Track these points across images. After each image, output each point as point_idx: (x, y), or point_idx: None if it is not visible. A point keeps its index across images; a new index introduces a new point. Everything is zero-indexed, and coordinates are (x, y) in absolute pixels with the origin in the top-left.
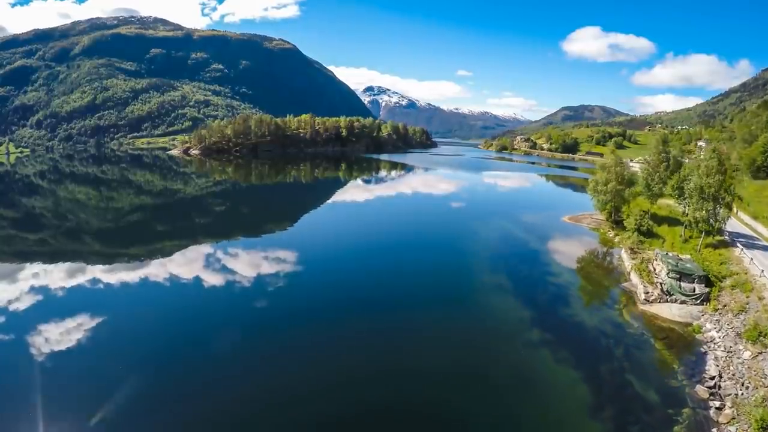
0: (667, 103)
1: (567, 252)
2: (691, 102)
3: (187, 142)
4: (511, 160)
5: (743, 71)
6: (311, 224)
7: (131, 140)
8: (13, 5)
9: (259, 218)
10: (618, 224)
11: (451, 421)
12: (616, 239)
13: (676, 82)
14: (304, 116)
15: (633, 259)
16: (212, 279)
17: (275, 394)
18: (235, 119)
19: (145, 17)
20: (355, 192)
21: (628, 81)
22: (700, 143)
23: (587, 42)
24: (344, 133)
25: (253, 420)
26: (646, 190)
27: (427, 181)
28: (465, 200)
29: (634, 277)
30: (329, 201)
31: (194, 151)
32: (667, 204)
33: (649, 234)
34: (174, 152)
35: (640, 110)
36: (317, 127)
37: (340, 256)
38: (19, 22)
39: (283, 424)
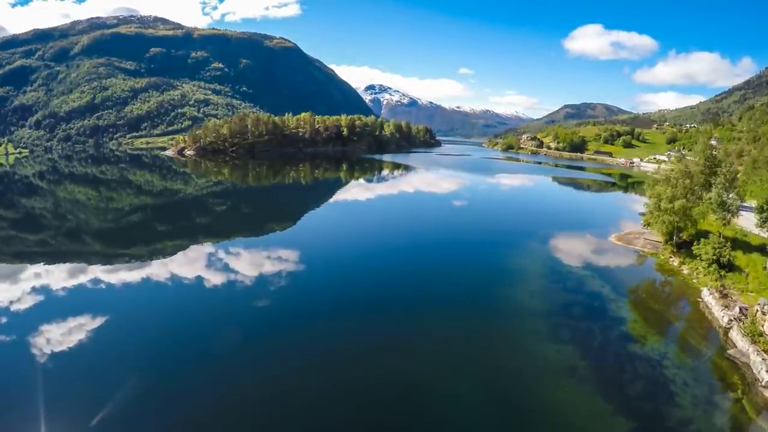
0: (669, 101)
1: (634, 293)
2: (693, 100)
3: (181, 143)
4: (518, 160)
5: (745, 69)
6: (312, 228)
7: (130, 140)
8: (14, 5)
9: (258, 220)
10: (680, 248)
11: None
12: (684, 270)
13: (678, 80)
14: (303, 115)
15: (725, 307)
16: (214, 279)
17: (278, 396)
18: (231, 118)
19: (145, 16)
20: (359, 199)
21: (629, 79)
22: (711, 142)
23: (589, 40)
24: (345, 132)
25: (255, 422)
26: (721, 207)
27: (438, 187)
28: (486, 215)
29: (742, 342)
30: (330, 208)
31: (189, 152)
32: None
33: (728, 266)
34: (168, 153)
35: (642, 108)
36: (317, 126)
37: (346, 265)
38: (20, 23)
39: (285, 426)
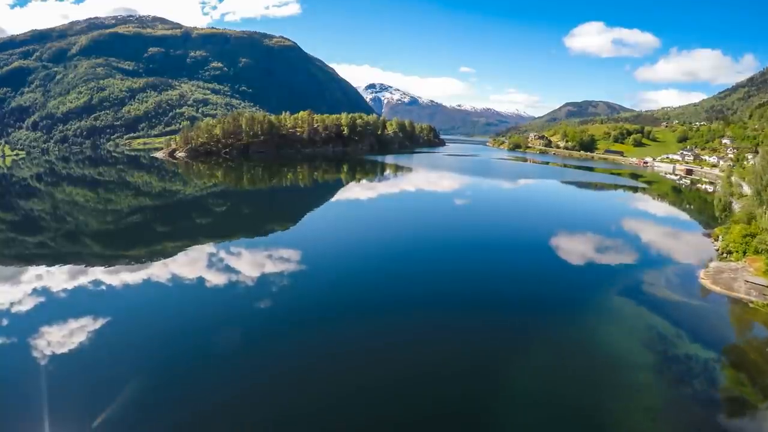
0: (670, 99)
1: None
2: (695, 97)
3: (173, 144)
4: (527, 160)
5: (747, 66)
6: (313, 230)
7: (127, 141)
8: (12, 6)
9: (257, 222)
10: None
11: None
12: None
13: (679, 77)
14: (301, 113)
15: None
16: (216, 280)
17: (282, 397)
18: (224, 118)
19: (144, 16)
20: (362, 200)
21: (631, 76)
22: (725, 141)
23: (590, 37)
24: (346, 131)
25: (260, 422)
26: None
27: (457, 200)
28: (520, 230)
29: None
30: (331, 213)
31: (180, 154)
32: None
33: None
34: (159, 155)
35: (644, 105)
36: (316, 126)
37: (351, 266)
38: (19, 24)
39: (291, 427)
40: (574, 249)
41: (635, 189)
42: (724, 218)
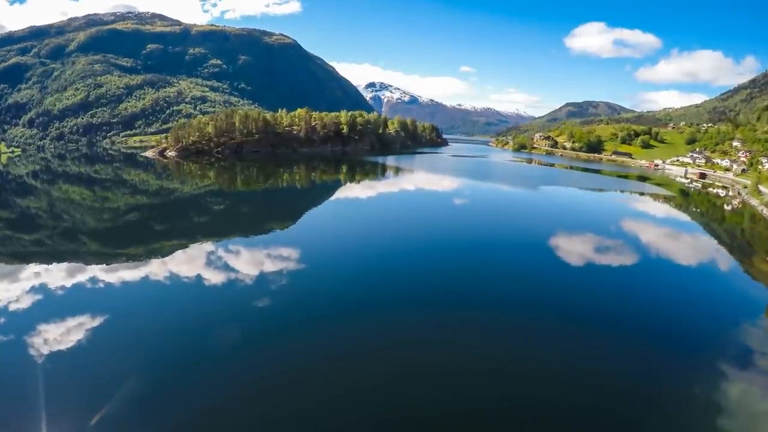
0: (671, 99)
1: None
2: (695, 98)
3: (164, 142)
4: (531, 161)
5: (749, 68)
6: (314, 230)
7: (124, 138)
8: (12, 3)
9: (256, 221)
10: None
11: None
12: None
13: (680, 78)
14: (299, 111)
15: None
16: (215, 278)
17: (282, 396)
18: (216, 115)
19: (143, 13)
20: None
21: (631, 77)
22: (735, 143)
23: (591, 37)
24: (345, 130)
25: (261, 422)
26: None
27: (479, 218)
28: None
29: None
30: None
31: (170, 153)
32: None
33: None
34: (149, 154)
35: (644, 106)
36: (314, 124)
37: (353, 266)
38: (17, 20)
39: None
40: (636, 282)
41: (666, 198)
42: None
